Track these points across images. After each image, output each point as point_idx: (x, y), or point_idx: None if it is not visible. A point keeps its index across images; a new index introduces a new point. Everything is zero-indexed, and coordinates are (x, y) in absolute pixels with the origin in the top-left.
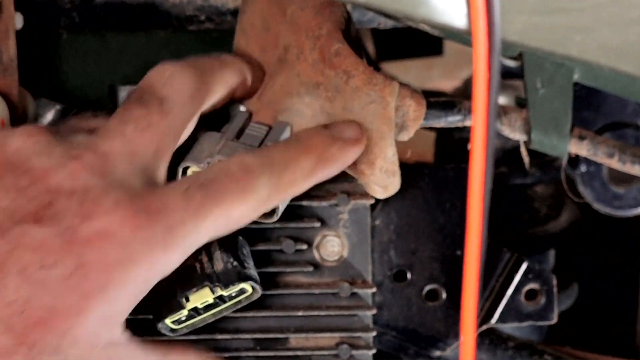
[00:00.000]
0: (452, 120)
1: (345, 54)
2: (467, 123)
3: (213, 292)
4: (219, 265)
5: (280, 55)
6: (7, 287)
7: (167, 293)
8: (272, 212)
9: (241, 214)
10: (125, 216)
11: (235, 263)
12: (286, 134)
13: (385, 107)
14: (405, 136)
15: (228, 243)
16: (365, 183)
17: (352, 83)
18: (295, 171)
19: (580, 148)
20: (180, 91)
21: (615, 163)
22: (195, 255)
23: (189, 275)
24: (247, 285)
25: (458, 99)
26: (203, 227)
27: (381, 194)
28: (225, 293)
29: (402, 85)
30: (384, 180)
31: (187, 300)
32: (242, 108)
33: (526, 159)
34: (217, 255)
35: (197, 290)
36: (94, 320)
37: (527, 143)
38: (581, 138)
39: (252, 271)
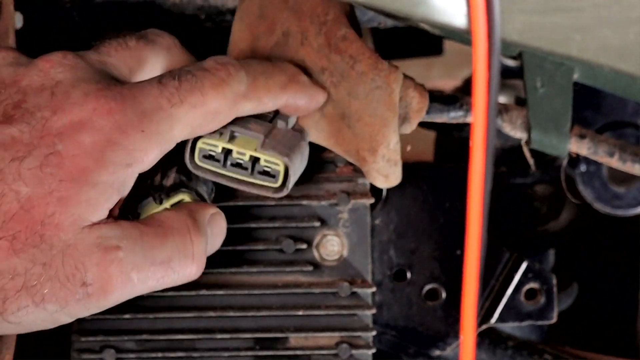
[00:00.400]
0: (454, 115)
1: (351, 38)
2: (469, 119)
3: (156, 202)
4: (169, 182)
5: (277, 40)
6: None
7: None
8: (282, 186)
9: (218, 105)
10: (97, 105)
11: (183, 178)
12: (293, 118)
13: (390, 94)
14: (407, 128)
15: (189, 172)
16: (366, 171)
17: (358, 68)
18: (270, 79)
19: (580, 147)
20: (164, 37)
21: (615, 162)
22: (151, 176)
23: (139, 190)
24: (188, 197)
25: (460, 94)
26: (179, 115)
27: (382, 183)
28: (168, 206)
29: (406, 76)
30: (385, 169)
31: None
32: None
33: (530, 160)
34: (171, 174)
35: (143, 203)
36: (76, 205)
37: (527, 142)
38: (581, 137)
39: (201, 189)
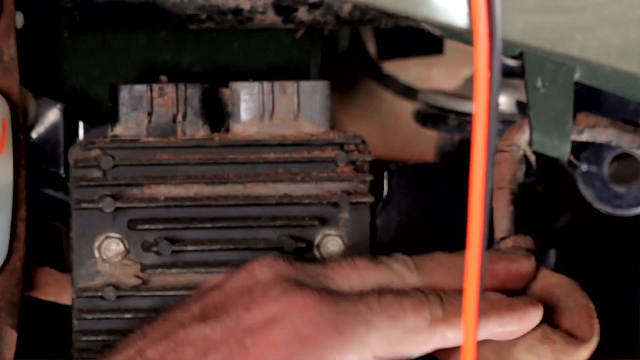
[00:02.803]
0: None
1: None
2: None
3: None
4: None
5: None
6: None
7: None
8: None
9: (417, 323)
10: (292, 299)
11: None
12: None
13: None
14: None
15: None
16: None
17: None
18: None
19: (579, 137)
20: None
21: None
22: None
23: None
24: None
25: None
26: (377, 323)
27: None
28: None
29: None
30: None
31: None
32: None
33: (532, 157)
34: None
35: None
36: None
37: (529, 143)
38: (579, 132)
39: None
